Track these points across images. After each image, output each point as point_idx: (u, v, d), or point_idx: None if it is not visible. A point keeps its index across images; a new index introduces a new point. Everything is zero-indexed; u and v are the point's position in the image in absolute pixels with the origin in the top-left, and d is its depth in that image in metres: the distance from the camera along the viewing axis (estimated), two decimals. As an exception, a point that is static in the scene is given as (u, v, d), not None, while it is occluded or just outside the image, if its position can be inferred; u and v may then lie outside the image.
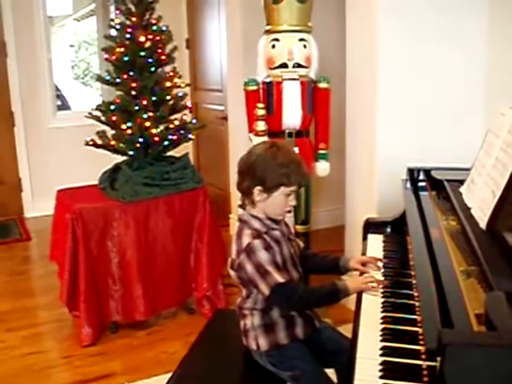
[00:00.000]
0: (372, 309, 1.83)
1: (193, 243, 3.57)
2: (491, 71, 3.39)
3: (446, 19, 3.28)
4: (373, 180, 3.34)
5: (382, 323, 1.72)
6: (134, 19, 3.41)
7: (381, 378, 1.45)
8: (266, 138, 3.20)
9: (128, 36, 3.38)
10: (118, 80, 3.45)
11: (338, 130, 3.61)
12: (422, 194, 2.44)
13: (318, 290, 1.98)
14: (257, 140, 3.16)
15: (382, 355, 1.54)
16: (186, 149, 4.00)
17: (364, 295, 1.90)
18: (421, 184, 2.57)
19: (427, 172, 2.56)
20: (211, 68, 5.64)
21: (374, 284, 1.92)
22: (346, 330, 2.12)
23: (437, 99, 3.33)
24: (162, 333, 3.41)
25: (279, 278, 1.89)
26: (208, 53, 5.68)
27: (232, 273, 2.03)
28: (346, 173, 3.61)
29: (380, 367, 1.49)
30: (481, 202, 1.85)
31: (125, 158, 3.59)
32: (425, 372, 1.42)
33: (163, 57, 3.47)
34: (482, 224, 1.74)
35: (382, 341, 1.62)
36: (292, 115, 3.25)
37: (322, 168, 3.43)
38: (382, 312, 1.79)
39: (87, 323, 3.25)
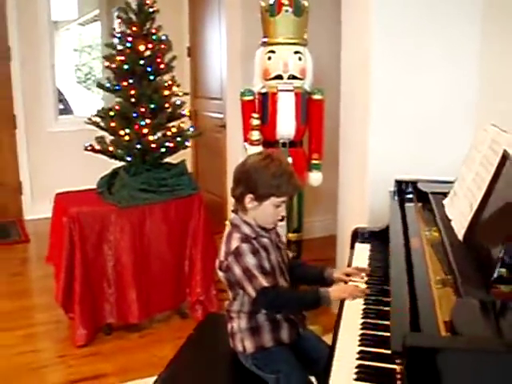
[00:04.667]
0: (353, 315, 1.90)
1: (187, 249, 3.64)
2: (483, 86, 3.45)
3: (439, 32, 3.33)
4: (364, 191, 3.40)
5: (361, 329, 1.80)
6: (134, 28, 3.49)
7: (355, 380, 1.52)
8: (260, 148, 3.28)
9: (128, 45, 3.46)
10: (117, 87, 3.53)
11: (334, 141, 3.68)
12: (409, 205, 2.52)
13: (301, 296, 2.07)
14: (251, 149, 3.25)
15: (358, 359, 1.62)
16: (184, 156, 4.07)
17: (346, 302, 1.98)
18: (410, 196, 2.65)
19: (414, 184, 2.63)
20: (211, 76, 5.73)
21: (358, 293, 1.99)
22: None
23: (429, 112, 3.39)
24: (154, 336, 3.48)
25: (264, 282, 1.96)
26: (208, 61, 5.77)
27: (220, 274, 2.11)
28: (338, 183, 3.68)
29: (355, 370, 1.57)
30: (460, 214, 1.92)
31: (123, 163, 3.66)
32: (398, 376, 1.49)
33: (162, 66, 3.55)
34: (460, 235, 1.82)
35: (359, 345, 1.70)
36: (286, 125, 3.33)
37: (315, 178, 3.50)
38: (362, 318, 1.87)
39: (82, 324, 3.32)
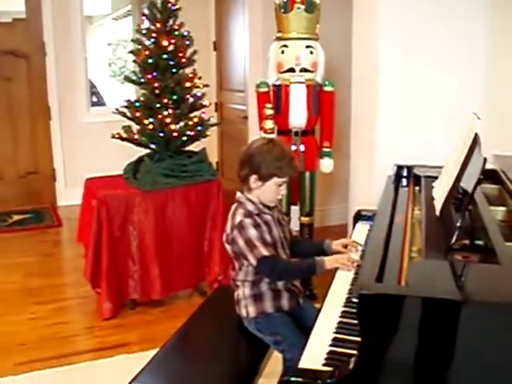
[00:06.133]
0: (343, 283, 2.13)
1: (207, 230, 3.90)
2: (490, 79, 3.60)
3: (447, 26, 3.45)
4: (372, 178, 3.59)
5: (347, 294, 2.03)
6: (158, 25, 3.75)
7: (334, 332, 1.76)
8: (274, 136, 3.51)
9: (152, 40, 3.72)
10: (142, 80, 3.80)
11: (349, 130, 3.87)
12: (405, 188, 2.72)
13: (298, 263, 2.30)
14: (265, 137, 3.48)
15: (340, 317, 1.85)
16: (210, 145, 4.30)
17: (338, 271, 2.20)
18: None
19: (411, 169, 2.84)
20: (235, 69, 5.96)
21: (350, 263, 2.21)
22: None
23: (435, 103, 3.54)
24: (175, 311, 3.74)
25: (264, 252, 2.20)
26: (233, 55, 6.00)
27: (227, 246, 2.35)
28: (350, 170, 3.88)
29: (336, 325, 1.80)
30: (440, 193, 2.13)
31: (148, 150, 3.93)
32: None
33: (184, 59, 3.80)
34: (437, 211, 2.03)
35: (343, 306, 1.93)
36: (298, 115, 3.56)
37: (326, 165, 3.73)
38: (351, 285, 2.09)
39: (108, 299, 3.61)
